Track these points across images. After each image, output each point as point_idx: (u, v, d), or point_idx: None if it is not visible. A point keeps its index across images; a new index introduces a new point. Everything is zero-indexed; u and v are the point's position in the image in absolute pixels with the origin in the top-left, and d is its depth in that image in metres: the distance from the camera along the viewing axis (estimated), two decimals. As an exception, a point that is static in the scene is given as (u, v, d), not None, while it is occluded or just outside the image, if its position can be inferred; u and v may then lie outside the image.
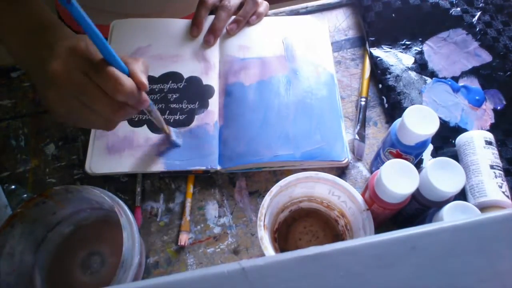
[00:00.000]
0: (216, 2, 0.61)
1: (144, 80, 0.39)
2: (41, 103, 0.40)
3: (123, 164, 0.51)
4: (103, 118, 0.39)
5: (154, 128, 0.53)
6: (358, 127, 0.55)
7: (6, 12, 0.40)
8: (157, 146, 0.52)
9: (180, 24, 0.62)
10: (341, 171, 0.53)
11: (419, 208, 0.43)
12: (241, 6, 0.62)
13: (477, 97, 0.55)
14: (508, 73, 0.57)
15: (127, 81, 0.37)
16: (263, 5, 0.63)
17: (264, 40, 0.60)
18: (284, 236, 0.48)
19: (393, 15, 0.61)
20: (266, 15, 0.63)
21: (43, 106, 0.39)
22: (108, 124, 0.40)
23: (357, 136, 0.54)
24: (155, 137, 0.53)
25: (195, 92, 0.56)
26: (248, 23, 0.62)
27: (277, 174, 0.53)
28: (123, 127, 0.53)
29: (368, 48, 0.60)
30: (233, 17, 0.62)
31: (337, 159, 0.51)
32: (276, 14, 0.65)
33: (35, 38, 0.39)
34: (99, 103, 0.37)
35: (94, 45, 0.36)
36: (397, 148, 0.44)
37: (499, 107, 0.55)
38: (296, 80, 0.56)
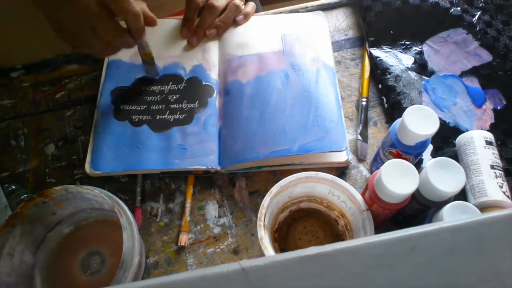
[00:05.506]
0: (204, 2, 0.60)
1: (153, 15, 0.50)
2: (52, 25, 0.47)
3: (123, 164, 0.51)
4: (103, 41, 0.45)
5: (154, 127, 0.53)
6: (361, 128, 0.55)
7: None
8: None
9: (175, 24, 0.62)
10: (341, 171, 0.53)
11: (419, 208, 0.43)
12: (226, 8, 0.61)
13: (477, 97, 0.55)
14: (509, 72, 0.56)
15: (137, 7, 0.45)
16: (250, 5, 0.62)
17: (263, 37, 0.60)
18: (284, 236, 0.48)
19: (393, 15, 0.61)
20: (253, 14, 0.63)
21: (53, 28, 0.47)
22: (106, 48, 0.47)
23: (359, 137, 0.54)
24: (155, 137, 0.53)
25: (195, 92, 0.56)
26: (236, 23, 0.61)
27: (277, 174, 0.53)
28: (124, 127, 0.53)
29: (368, 48, 0.60)
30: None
31: (337, 149, 0.50)
32: (275, 14, 0.65)
33: None
34: (104, 25, 0.44)
35: None
36: (397, 148, 0.44)
37: (499, 107, 0.55)
38: (294, 74, 0.56)
